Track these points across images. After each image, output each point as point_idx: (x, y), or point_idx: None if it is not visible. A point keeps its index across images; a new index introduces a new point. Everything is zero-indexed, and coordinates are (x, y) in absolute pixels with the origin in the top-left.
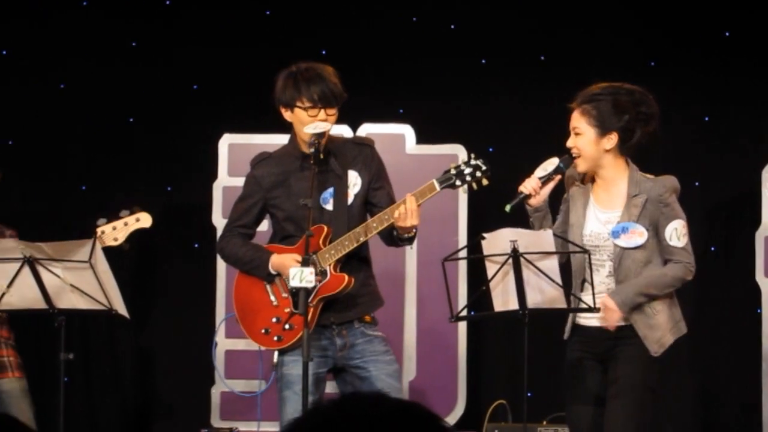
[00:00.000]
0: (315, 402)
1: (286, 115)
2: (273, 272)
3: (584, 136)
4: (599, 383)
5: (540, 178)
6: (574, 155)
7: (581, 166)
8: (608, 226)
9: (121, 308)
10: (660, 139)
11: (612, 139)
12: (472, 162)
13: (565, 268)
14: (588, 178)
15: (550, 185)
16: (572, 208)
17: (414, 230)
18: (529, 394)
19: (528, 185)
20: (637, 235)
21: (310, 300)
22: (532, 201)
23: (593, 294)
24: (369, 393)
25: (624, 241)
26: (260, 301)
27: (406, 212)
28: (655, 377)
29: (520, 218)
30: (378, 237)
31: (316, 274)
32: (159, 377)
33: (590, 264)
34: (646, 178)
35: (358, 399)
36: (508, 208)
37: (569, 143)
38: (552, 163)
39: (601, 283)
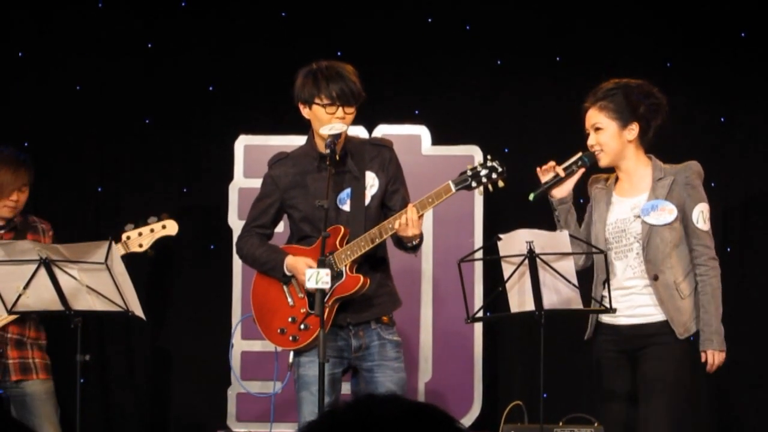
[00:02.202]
0: (330, 404)
1: (305, 112)
2: (288, 273)
3: (606, 130)
4: (630, 380)
5: (564, 169)
6: (596, 151)
7: (604, 160)
8: (635, 210)
9: (137, 310)
10: (670, 131)
11: (633, 130)
12: (488, 164)
13: (585, 271)
14: (610, 181)
15: (574, 179)
16: (595, 207)
17: (417, 240)
18: (545, 395)
19: (546, 172)
20: (667, 212)
21: (325, 300)
22: (556, 193)
23: (609, 293)
24: (384, 395)
25: (654, 218)
26: (277, 301)
27: (407, 222)
28: (687, 373)
29: (544, 212)
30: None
31: (332, 275)
32: (175, 379)
33: (606, 264)
34: (670, 165)
35: (373, 401)
36: (531, 196)
37: (590, 141)
38: (575, 156)
39: (628, 267)
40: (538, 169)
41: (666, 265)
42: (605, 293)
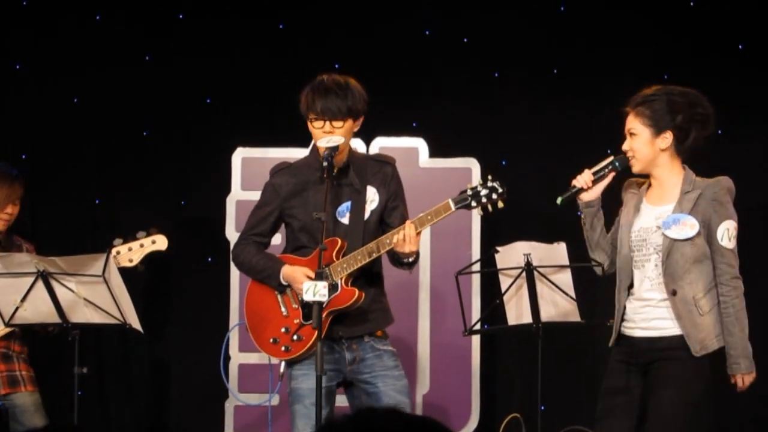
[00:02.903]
0: (328, 417)
1: (308, 125)
2: (284, 283)
3: (639, 137)
4: (636, 392)
5: (593, 174)
6: (629, 157)
7: (636, 167)
8: (659, 220)
9: (134, 322)
10: (713, 142)
11: (667, 139)
12: (489, 184)
13: (580, 281)
14: (644, 186)
15: (604, 182)
16: (624, 211)
17: (413, 256)
18: (542, 407)
19: (581, 179)
20: (688, 227)
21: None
22: (584, 196)
23: (621, 316)
24: (383, 408)
25: (674, 233)
26: (271, 311)
27: (404, 238)
28: (698, 392)
29: (571, 212)
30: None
31: (328, 287)
32: (173, 391)
33: (621, 285)
34: (702, 179)
35: (373, 414)
36: (559, 200)
37: (625, 146)
38: (607, 160)
39: (646, 278)
40: (573, 181)
41: (685, 281)
42: (627, 302)
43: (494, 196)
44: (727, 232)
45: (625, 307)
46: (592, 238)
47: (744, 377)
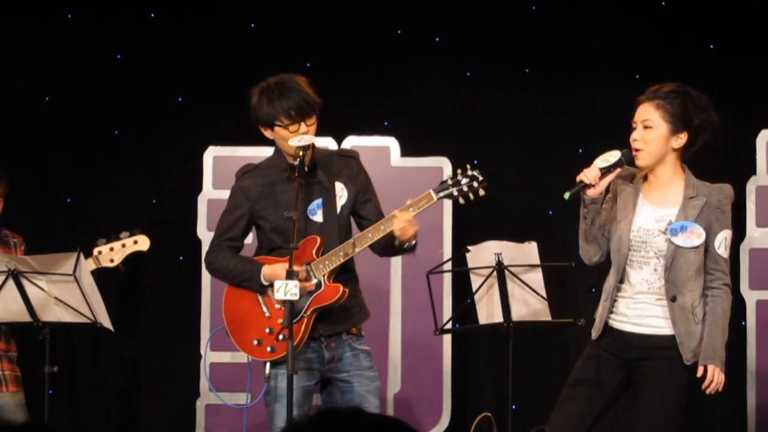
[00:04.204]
0: (296, 417)
1: (267, 133)
2: (265, 283)
3: (655, 129)
4: (609, 379)
5: (601, 169)
6: (636, 148)
7: (643, 160)
8: (660, 223)
9: (105, 321)
10: (717, 148)
11: (681, 139)
12: (469, 173)
13: (551, 280)
14: (638, 178)
15: (609, 177)
16: (620, 205)
17: (414, 239)
18: (513, 407)
19: (588, 174)
20: (695, 236)
21: (304, 310)
22: (591, 191)
23: (609, 309)
24: (346, 408)
25: (681, 240)
26: (252, 313)
27: (405, 225)
28: (685, 391)
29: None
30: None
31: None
32: (144, 390)
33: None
34: (702, 183)
35: (335, 415)
36: (567, 195)
37: (635, 135)
38: (614, 155)
39: (644, 280)
40: (580, 176)
41: (687, 288)
42: (619, 298)
43: (475, 184)
44: (724, 241)
45: (615, 301)
46: (590, 232)
47: (716, 371)
